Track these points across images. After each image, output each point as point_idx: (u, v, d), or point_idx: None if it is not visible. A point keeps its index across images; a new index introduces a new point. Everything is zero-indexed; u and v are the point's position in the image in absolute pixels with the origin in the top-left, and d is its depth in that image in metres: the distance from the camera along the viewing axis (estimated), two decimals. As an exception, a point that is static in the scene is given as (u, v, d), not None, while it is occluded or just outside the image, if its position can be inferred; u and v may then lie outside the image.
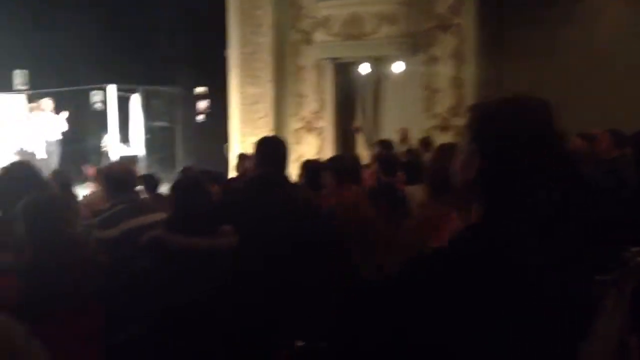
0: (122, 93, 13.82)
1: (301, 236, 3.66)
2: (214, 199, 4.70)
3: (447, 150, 3.22)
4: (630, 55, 10.25)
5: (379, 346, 1.37)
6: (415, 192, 5.40)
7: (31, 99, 13.98)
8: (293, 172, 5.08)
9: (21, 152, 12.05)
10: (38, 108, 12.93)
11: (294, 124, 11.79)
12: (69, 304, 2.67)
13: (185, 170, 7.43)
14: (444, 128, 10.36)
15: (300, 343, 3.13)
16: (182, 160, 13.79)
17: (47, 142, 12.53)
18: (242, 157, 8.03)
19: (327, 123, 11.54)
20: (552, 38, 10.77)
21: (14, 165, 3.71)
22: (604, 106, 9.18)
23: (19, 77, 15.39)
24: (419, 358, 1.32)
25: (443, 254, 1.37)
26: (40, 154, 12.29)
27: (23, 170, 3.66)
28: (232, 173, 8.93)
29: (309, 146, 11.47)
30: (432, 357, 1.30)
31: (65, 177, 6.12)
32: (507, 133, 1.36)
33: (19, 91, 14.60)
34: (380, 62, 11.13)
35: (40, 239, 2.73)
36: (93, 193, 6.15)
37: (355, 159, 4.64)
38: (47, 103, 12.84)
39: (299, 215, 3.75)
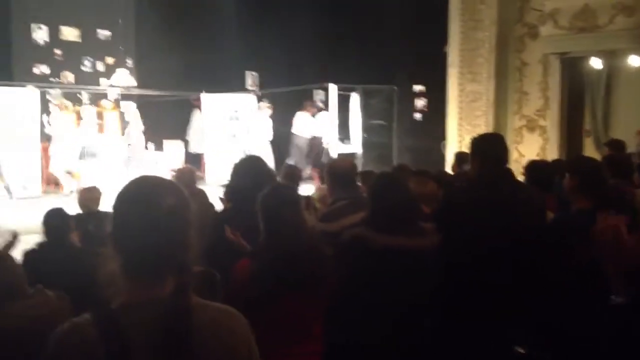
0: (342, 92, 14.25)
1: (527, 237, 3.47)
2: (429, 196, 4.63)
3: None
4: None
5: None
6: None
7: (260, 98, 15.03)
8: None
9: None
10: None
11: (515, 123, 11.31)
12: (293, 288, 2.78)
13: (400, 168, 7.41)
14: (684, 128, 9.28)
15: (521, 350, 2.95)
16: (398, 158, 13.89)
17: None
18: (459, 156, 7.88)
19: (551, 122, 10.91)
20: None
21: (244, 161, 3.96)
22: None
23: (250, 78, 16.57)
24: None
25: None
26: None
27: (253, 165, 3.91)
28: (449, 171, 8.79)
29: (530, 146, 10.93)
30: None
31: (294, 172, 6.40)
32: None
33: (250, 91, 15.72)
34: (613, 56, 10.28)
35: (272, 225, 2.90)
36: (322, 189, 6.38)
37: (597, 163, 4.24)
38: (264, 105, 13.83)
39: (525, 216, 3.56)
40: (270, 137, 13.85)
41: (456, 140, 11.70)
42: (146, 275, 1.56)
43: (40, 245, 4.33)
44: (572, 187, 3.70)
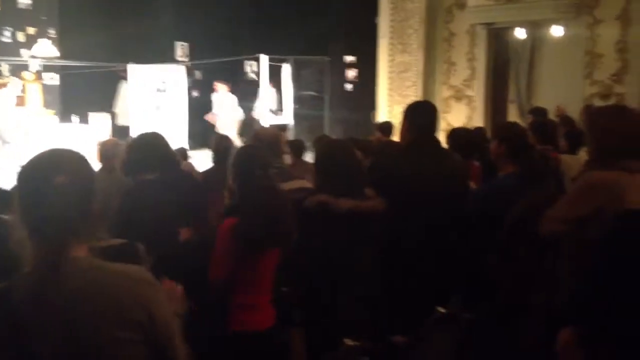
0: (273, 63, 14.15)
1: (454, 200, 3.56)
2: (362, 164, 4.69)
3: (609, 112, 2.95)
4: None
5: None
6: (574, 162, 5.08)
7: (189, 69, 14.77)
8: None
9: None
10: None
11: (443, 93, 11.49)
12: (273, 244, 2.99)
13: (319, 140, 7.46)
14: (605, 95, 9.61)
15: (442, 310, 3.06)
16: (329, 129, 13.94)
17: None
18: (382, 126, 8.00)
19: (477, 92, 11.13)
20: None
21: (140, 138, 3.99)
22: None
23: (180, 49, 16.25)
24: None
25: None
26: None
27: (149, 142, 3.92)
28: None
29: (457, 115, 11.14)
30: None
31: (223, 142, 6.29)
32: None
33: (180, 62, 15.42)
34: (537, 26, 10.53)
35: (243, 182, 3.06)
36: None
37: (522, 128, 4.34)
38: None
39: (453, 180, 3.65)
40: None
41: (386, 111, 11.81)
42: (45, 243, 1.61)
43: None
44: (499, 153, 3.79)
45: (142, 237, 2.50)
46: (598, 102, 9.37)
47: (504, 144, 3.71)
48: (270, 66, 13.95)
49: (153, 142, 3.95)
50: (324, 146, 3.83)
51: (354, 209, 3.29)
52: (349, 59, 14.46)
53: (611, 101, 9.33)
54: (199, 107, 14.89)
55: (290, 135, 12.47)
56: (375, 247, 3.35)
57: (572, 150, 5.60)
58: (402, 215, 3.44)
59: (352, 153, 3.55)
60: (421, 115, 3.86)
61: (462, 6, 11.10)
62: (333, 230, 3.24)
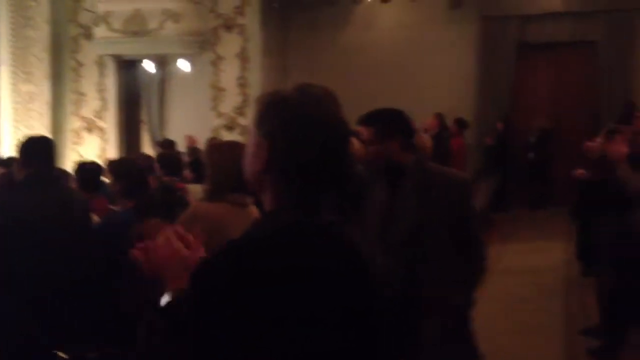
0: None
1: (70, 236, 3.46)
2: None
3: (221, 148, 3.17)
4: (404, 57, 11.09)
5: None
6: (198, 191, 5.36)
7: None
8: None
9: None
10: None
11: (74, 123, 11.13)
12: None
13: None
14: (230, 127, 10.37)
15: (63, 355, 2.94)
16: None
17: None
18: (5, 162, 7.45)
19: (110, 123, 11.03)
20: (333, 38, 11.35)
21: None
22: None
23: None
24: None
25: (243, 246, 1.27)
26: None
27: None
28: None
29: (90, 147, 10.90)
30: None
31: None
32: (289, 120, 1.27)
33: None
34: (165, 60, 10.89)
35: None
36: None
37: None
38: None
39: (67, 215, 3.54)
40: None
41: (12, 144, 10.98)
42: None
43: None
44: (116, 190, 3.81)
45: None
46: (225, 133, 10.06)
47: (119, 181, 3.75)
48: None
49: None
50: None
51: None
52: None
53: (236, 132, 10.10)
54: None
55: None
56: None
57: (199, 180, 5.90)
58: (10, 252, 3.23)
59: None
60: (35, 150, 3.71)
61: (89, 36, 10.92)
62: None
